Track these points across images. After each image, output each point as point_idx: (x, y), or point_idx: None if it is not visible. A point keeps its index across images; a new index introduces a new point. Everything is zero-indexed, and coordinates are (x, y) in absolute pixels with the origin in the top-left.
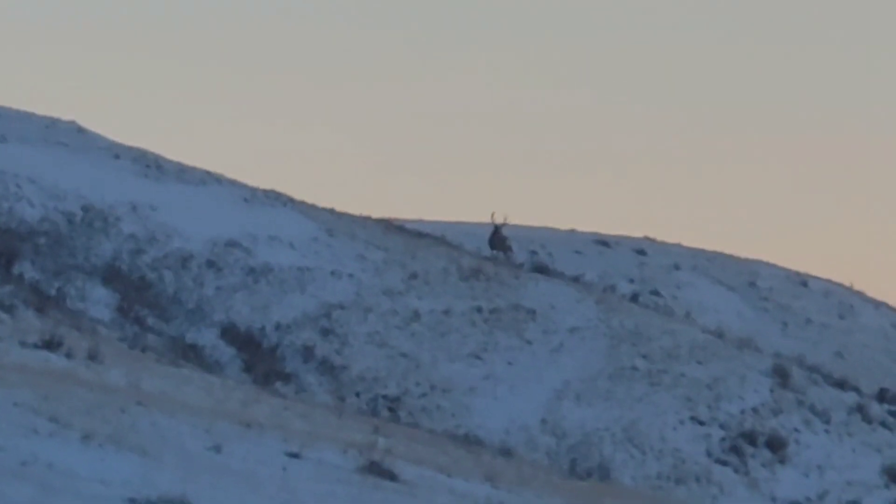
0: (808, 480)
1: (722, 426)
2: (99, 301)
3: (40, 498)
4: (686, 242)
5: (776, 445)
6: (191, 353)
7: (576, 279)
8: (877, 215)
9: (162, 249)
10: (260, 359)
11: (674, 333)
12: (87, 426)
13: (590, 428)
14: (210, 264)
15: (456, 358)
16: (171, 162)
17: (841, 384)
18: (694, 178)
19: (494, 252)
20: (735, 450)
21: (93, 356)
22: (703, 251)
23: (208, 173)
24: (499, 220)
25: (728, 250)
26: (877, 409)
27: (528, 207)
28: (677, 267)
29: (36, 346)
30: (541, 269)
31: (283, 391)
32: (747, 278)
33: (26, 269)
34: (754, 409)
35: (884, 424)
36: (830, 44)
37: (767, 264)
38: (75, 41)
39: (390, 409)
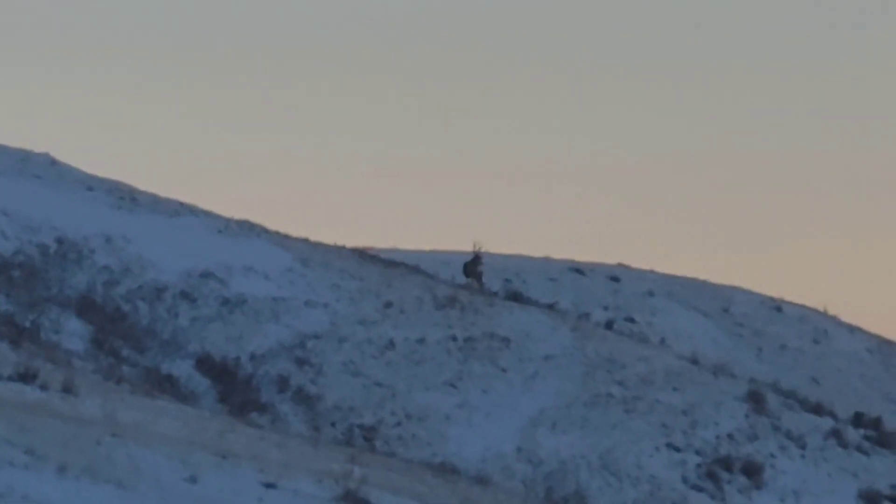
0: None
1: (698, 452)
2: (73, 333)
3: None
4: (660, 269)
5: (752, 471)
6: (166, 384)
7: (550, 307)
8: (851, 240)
9: (136, 281)
10: (235, 389)
11: (649, 360)
12: (63, 458)
13: (566, 455)
14: (184, 295)
15: (431, 386)
16: (144, 193)
17: (816, 409)
18: (668, 205)
19: (469, 280)
20: (711, 476)
21: (68, 388)
22: (677, 277)
23: (182, 204)
24: (477, 248)
25: (702, 276)
26: (853, 434)
27: (502, 235)
28: (652, 294)
29: (10, 379)
30: (515, 297)
31: (258, 421)
32: (721, 304)
33: (0, 302)
34: (730, 435)
35: (860, 449)
36: (805, 63)
37: (741, 290)
38: (48, 74)
39: (366, 439)
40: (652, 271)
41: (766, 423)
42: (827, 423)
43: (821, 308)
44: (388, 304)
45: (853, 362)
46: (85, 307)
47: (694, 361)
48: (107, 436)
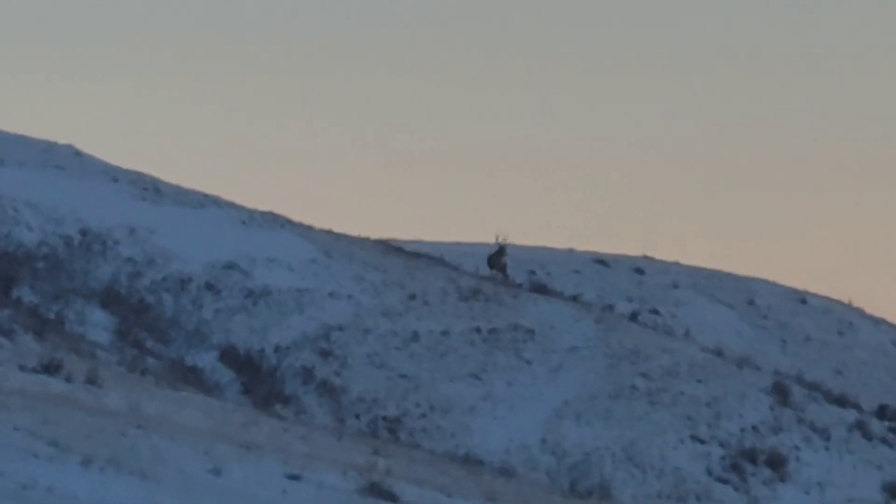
0: (808, 498)
1: (722, 444)
2: (98, 324)
3: None
4: (684, 261)
5: (776, 463)
6: (190, 376)
7: (574, 298)
8: (876, 231)
9: (160, 272)
10: (259, 381)
11: (673, 352)
12: (87, 450)
13: (590, 447)
14: (209, 287)
15: (455, 378)
16: (168, 185)
17: (840, 401)
18: (692, 197)
19: (493, 272)
20: (735, 468)
21: (92, 380)
22: (701, 269)
23: (206, 196)
24: (501, 239)
25: (726, 268)
26: (877, 426)
27: (526, 227)
28: (676, 285)
29: (35, 371)
30: (539, 289)
31: (282, 413)
32: (746, 296)
33: (25, 293)
34: (754, 427)
35: (884, 441)
36: (829, 57)
37: (766, 282)
38: (73, 65)
39: (390, 430)
40: (676, 263)
41: (790, 415)
42: (851, 415)
43: (845, 300)
44: (412, 296)
45: (878, 354)
46: (109, 299)
47: (718, 353)
48: (131, 427)
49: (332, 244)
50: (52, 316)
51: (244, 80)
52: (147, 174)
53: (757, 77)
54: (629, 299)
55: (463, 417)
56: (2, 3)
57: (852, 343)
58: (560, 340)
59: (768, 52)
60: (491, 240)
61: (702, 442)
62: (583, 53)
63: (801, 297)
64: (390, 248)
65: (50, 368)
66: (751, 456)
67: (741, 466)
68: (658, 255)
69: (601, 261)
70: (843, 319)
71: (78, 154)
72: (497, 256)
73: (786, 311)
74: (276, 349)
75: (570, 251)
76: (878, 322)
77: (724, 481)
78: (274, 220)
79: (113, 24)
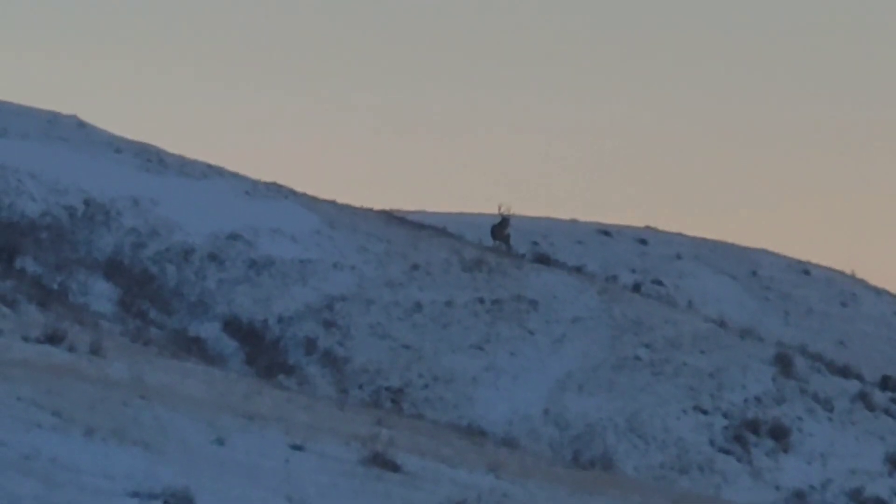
0: (811, 469)
1: (725, 415)
2: (101, 295)
3: (44, 492)
4: (687, 232)
5: (779, 434)
6: (193, 347)
7: (578, 269)
8: (878, 203)
9: (164, 243)
10: (262, 351)
11: (676, 323)
12: (90, 420)
13: (593, 418)
14: (212, 257)
15: (458, 349)
16: (172, 155)
17: (843, 372)
18: (695, 168)
19: (496, 242)
20: (738, 439)
21: (95, 350)
22: (704, 240)
23: (210, 166)
24: (504, 210)
25: (729, 239)
26: (879, 397)
27: (529, 198)
28: (679, 256)
29: (38, 341)
30: (543, 260)
31: (285, 384)
32: (749, 267)
33: (28, 264)
34: (757, 398)
35: (887, 412)
36: (826, 39)
37: (769, 253)
38: (76, 36)
39: (393, 401)
40: (679, 234)
41: (793, 387)
42: (854, 386)
43: (848, 271)
44: (415, 267)
45: (880, 325)
46: (112, 269)
47: (721, 324)
48: (134, 398)
49: (336, 215)
50: (55, 286)
51: (248, 51)
52: (151, 145)
53: (762, 46)
54: (632, 270)
55: (466, 388)
56: None
57: (855, 314)
58: (563, 311)
59: (767, 18)
60: (494, 210)
61: (705, 413)
62: (588, 24)
63: (804, 268)
64: (393, 218)
65: (53, 339)
66: (754, 427)
67: (744, 437)
68: (661, 226)
69: (604, 231)
70: (846, 290)
71: (81, 125)
72: (500, 227)
73: (789, 282)
74: (280, 320)
75: (574, 222)
76: (881, 293)
77: (727, 452)
78: (277, 191)
79: None
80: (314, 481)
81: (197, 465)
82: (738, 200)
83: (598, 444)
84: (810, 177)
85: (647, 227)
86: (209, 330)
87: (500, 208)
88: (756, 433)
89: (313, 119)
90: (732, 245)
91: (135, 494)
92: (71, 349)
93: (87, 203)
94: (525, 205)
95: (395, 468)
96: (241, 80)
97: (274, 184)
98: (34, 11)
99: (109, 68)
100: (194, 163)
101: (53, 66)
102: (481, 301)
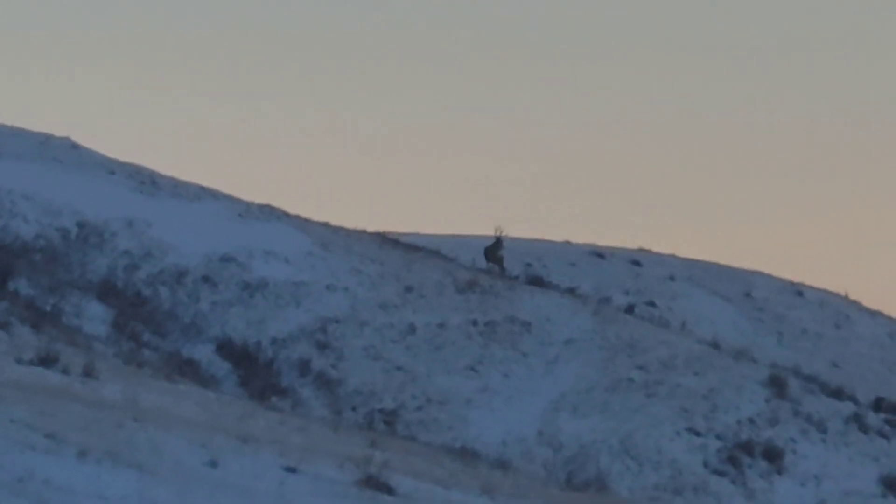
0: (805, 490)
1: (718, 437)
2: (94, 317)
3: None
4: (681, 253)
5: (773, 456)
6: (187, 369)
7: (571, 291)
8: (872, 224)
9: (157, 265)
10: (256, 373)
11: (669, 344)
12: (84, 442)
13: (586, 439)
14: (205, 279)
15: (452, 371)
16: (165, 177)
17: (837, 394)
18: (689, 190)
19: (490, 264)
20: (732, 460)
21: (89, 372)
22: (698, 262)
23: (203, 188)
24: (499, 232)
25: (723, 261)
26: (873, 419)
27: (522, 220)
28: (672, 278)
29: (32, 363)
30: (536, 282)
31: (279, 405)
32: (743, 289)
33: (21, 286)
34: (751, 420)
35: (880, 434)
36: (825, 47)
37: (763, 275)
38: (69, 57)
39: (387, 423)
40: (673, 255)
41: (787, 408)
42: (848, 407)
43: (842, 293)
44: (409, 289)
45: (874, 347)
46: (106, 291)
47: (715, 346)
48: (128, 420)
49: (329, 237)
50: (48, 308)
51: (241, 73)
52: (144, 167)
53: (753, 70)
54: (626, 292)
55: (459, 410)
56: None
57: (849, 336)
58: (556, 333)
59: (762, 44)
60: (488, 232)
61: (698, 434)
62: (580, 47)
63: (798, 290)
64: (387, 240)
65: (46, 361)
66: (747, 448)
67: (738, 459)
68: (654, 248)
69: (598, 253)
70: (840, 312)
71: (75, 147)
72: (494, 249)
73: (782, 304)
74: (273, 342)
75: (567, 244)
76: (874, 315)
77: (721, 474)
78: (270, 213)
79: (110, 16)
80: (308, 503)
81: (191, 487)
82: (732, 222)
83: (592, 466)
84: (804, 198)
85: (641, 249)
86: (203, 352)
87: (494, 230)
88: (750, 455)
89: (306, 141)
90: (726, 266)
91: None
92: (64, 371)
93: (80, 225)
94: (518, 227)
95: (388, 490)
96: (234, 102)
97: (267, 206)
98: (27, 34)
99: (102, 90)
100: (187, 185)
101: (47, 88)
102: (475, 323)
